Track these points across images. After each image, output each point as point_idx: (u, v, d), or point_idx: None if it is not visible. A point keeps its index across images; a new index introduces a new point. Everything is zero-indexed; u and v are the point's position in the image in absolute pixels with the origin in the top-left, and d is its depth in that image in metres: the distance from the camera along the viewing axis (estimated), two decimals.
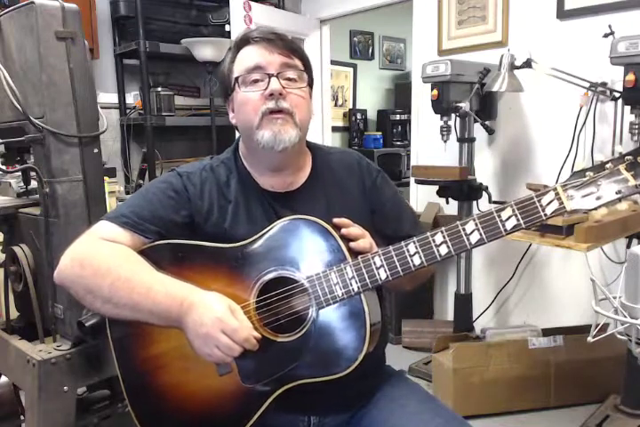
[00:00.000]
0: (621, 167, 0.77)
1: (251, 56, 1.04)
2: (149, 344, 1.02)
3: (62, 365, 1.27)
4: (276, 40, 1.03)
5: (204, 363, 0.93)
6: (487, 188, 2.35)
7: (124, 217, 1.02)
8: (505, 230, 0.84)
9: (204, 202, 1.06)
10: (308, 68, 1.09)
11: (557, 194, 0.80)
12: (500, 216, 0.84)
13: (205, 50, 2.97)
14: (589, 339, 1.39)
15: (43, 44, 1.21)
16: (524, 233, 1.72)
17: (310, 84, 1.09)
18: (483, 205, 2.44)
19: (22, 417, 1.62)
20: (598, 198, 0.78)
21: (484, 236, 0.85)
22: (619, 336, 1.41)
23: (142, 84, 3.03)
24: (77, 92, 1.26)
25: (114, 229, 1.01)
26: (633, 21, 2.11)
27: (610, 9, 2.20)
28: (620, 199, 0.78)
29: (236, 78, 1.03)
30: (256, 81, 1.02)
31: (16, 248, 1.36)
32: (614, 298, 1.43)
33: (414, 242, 0.90)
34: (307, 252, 0.96)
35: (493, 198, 2.36)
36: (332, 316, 0.93)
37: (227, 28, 3.22)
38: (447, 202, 2.45)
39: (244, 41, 1.05)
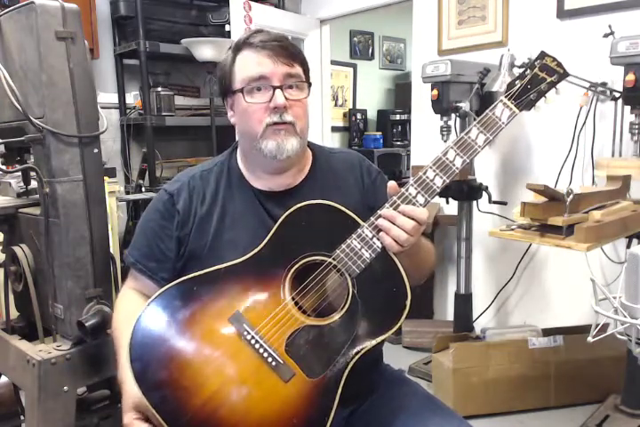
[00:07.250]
0: (537, 71, 1.01)
1: (254, 64, 1.04)
2: (196, 393, 0.91)
3: (62, 365, 1.27)
4: (278, 48, 1.04)
5: (266, 380, 0.91)
6: (487, 188, 2.35)
7: (139, 263, 1.11)
8: (479, 147, 0.97)
9: (192, 212, 1.10)
10: (306, 70, 1.10)
11: (505, 104, 0.97)
12: (470, 137, 0.96)
13: (205, 50, 2.97)
14: (589, 339, 1.39)
15: (43, 44, 1.21)
16: (524, 233, 1.72)
17: (308, 86, 1.10)
18: (483, 204, 2.44)
19: (22, 417, 1.62)
20: (536, 96, 0.99)
21: (465, 158, 0.96)
22: (619, 336, 1.41)
23: (142, 84, 3.03)
24: (77, 92, 1.26)
25: (136, 277, 1.13)
26: (633, 21, 2.11)
27: (610, 9, 2.20)
28: (545, 92, 0.99)
29: (241, 89, 1.05)
30: (259, 89, 1.04)
31: (16, 248, 1.36)
32: (614, 298, 1.43)
33: (412, 185, 0.96)
34: (320, 233, 0.98)
35: (493, 198, 2.36)
36: (368, 278, 0.96)
37: (227, 28, 3.22)
38: (447, 202, 2.45)
39: (247, 44, 1.06)
